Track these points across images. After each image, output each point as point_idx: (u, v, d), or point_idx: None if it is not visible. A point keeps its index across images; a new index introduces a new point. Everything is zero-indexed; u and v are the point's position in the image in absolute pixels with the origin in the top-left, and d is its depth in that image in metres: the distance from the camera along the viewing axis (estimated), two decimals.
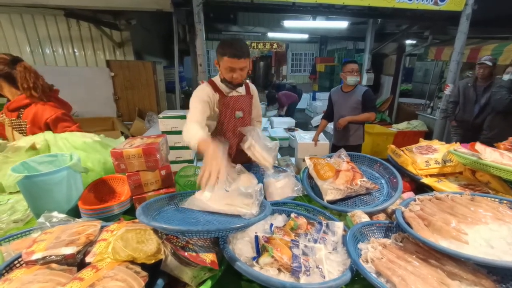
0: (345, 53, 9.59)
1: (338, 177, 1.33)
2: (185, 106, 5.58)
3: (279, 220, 1.10)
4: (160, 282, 0.74)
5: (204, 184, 1.01)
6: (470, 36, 4.08)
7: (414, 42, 7.18)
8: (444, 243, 0.81)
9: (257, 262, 0.81)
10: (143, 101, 5.31)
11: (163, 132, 2.97)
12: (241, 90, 1.73)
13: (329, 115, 3.19)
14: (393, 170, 1.41)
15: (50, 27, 4.88)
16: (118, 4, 3.79)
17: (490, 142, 1.55)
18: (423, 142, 1.73)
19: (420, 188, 1.48)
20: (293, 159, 3.84)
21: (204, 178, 1.00)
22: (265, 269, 0.79)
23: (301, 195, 1.41)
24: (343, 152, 1.53)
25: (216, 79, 1.67)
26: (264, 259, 0.80)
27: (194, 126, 1.37)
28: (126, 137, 1.67)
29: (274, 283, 0.72)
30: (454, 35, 4.03)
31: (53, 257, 0.75)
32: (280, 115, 7.59)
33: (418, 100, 7.28)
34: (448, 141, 1.80)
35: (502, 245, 0.78)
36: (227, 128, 1.72)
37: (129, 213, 1.34)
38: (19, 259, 0.80)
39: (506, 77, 2.93)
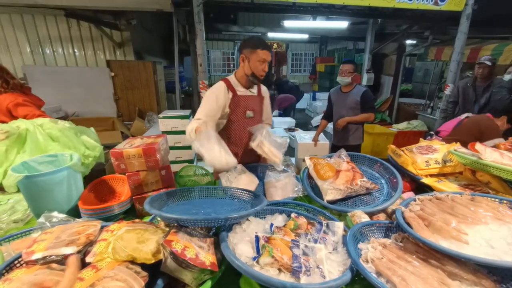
0: (345, 53, 9.59)
1: (338, 177, 1.33)
2: (185, 106, 5.58)
3: (279, 220, 1.10)
4: (160, 282, 0.74)
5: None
6: (470, 36, 4.08)
7: (414, 42, 7.18)
8: (444, 243, 0.81)
9: (257, 262, 0.81)
10: (143, 101, 5.31)
11: (163, 132, 2.97)
12: (254, 90, 1.77)
13: (329, 115, 3.20)
14: (393, 170, 1.41)
15: (50, 27, 4.88)
16: (118, 4, 3.79)
17: None
18: (423, 142, 1.73)
19: (420, 188, 1.48)
20: (293, 159, 3.84)
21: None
22: (266, 269, 0.79)
23: (301, 195, 1.41)
24: (343, 152, 1.53)
25: (231, 78, 1.71)
26: (265, 259, 0.80)
27: (192, 123, 1.51)
28: (126, 137, 1.68)
29: (275, 283, 0.72)
30: (454, 35, 4.02)
31: (53, 257, 0.75)
32: (279, 113, 7.58)
33: (418, 100, 7.29)
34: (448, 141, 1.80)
35: (502, 245, 0.78)
36: (237, 127, 1.74)
37: (129, 213, 1.34)
38: (19, 259, 0.80)
39: (507, 77, 2.93)
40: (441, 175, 1.50)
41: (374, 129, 4.77)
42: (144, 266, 0.74)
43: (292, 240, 0.91)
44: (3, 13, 4.60)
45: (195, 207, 1.13)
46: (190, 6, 3.50)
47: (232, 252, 0.84)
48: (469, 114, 2.42)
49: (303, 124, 7.43)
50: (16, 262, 0.80)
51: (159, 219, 1.09)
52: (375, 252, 0.87)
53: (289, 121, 6.43)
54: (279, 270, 0.80)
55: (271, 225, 1.02)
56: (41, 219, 1.06)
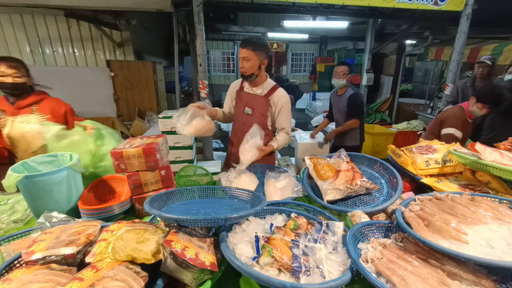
0: (345, 53, 9.58)
1: (338, 177, 1.33)
2: (185, 106, 5.57)
3: (279, 220, 1.10)
4: (160, 282, 0.74)
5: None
6: (470, 36, 4.08)
7: (414, 42, 7.18)
8: (444, 243, 0.81)
9: (257, 262, 0.81)
10: (143, 101, 5.31)
11: (163, 132, 2.97)
12: (259, 90, 1.83)
13: (330, 115, 3.27)
14: (393, 170, 1.41)
15: (50, 27, 4.87)
16: (118, 4, 3.78)
17: (490, 143, 1.54)
18: (423, 142, 1.73)
19: (420, 188, 1.48)
20: (293, 159, 3.84)
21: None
22: (265, 269, 0.79)
23: (301, 195, 1.41)
24: (343, 152, 1.53)
25: None
26: (264, 259, 0.80)
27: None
28: (126, 137, 1.68)
29: (274, 283, 0.72)
30: (454, 35, 4.02)
31: (53, 257, 0.75)
32: None
33: (418, 100, 7.29)
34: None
35: (502, 245, 0.78)
36: (236, 120, 1.97)
37: (129, 213, 1.34)
38: (19, 259, 0.80)
39: (508, 77, 2.92)
40: (441, 175, 1.50)
41: (374, 129, 4.77)
42: (144, 266, 0.74)
43: (292, 240, 0.91)
44: (2, 13, 4.60)
45: (195, 207, 1.13)
46: (190, 6, 3.51)
47: (232, 252, 0.84)
48: (450, 106, 2.43)
49: (303, 124, 7.44)
50: (16, 262, 0.80)
51: (159, 219, 1.09)
52: (375, 252, 0.87)
53: None
54: (279, 270, 0.80)
55: (271, 225, 1.02)
56: (41, 219, 1.06)
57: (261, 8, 5.02)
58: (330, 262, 0.87)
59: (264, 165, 1.73)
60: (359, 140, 3.04)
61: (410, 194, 1.41)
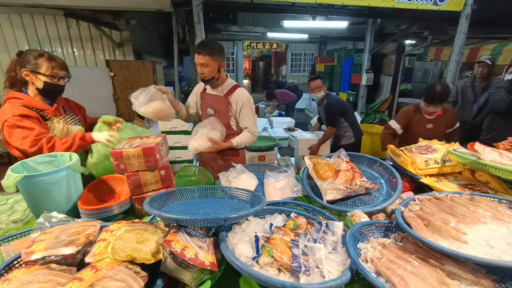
0: (344, 53, 9.58)
1: (337, 177, 1.33)
2: None
3: (279, 220, 1.10)
4: (159, 282, 0.74)
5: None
6: (469, 36, 4.09)
7: (413, 42, 7.19)
8: (444, 243, 0.81)
9: (257, 262, 0.81)
10: None
11: (163, 132, 2.97)
12: (219, 91, 1.85)
13: (320, 120, 3.62)
14: (393, 170, 1.42)
15: (50, 27, 4.87)
16: (118, 4, 3.78)
17: (490, 143, 1.55)
18: (423, 142, 1.73)
19: (419, 188, 1.48)
20: (292, 159, 3.85)
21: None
22: (265, 269, 0.79)
23: (300, 195, 1.42)
24: (342, 152, 1.53)
25: None
26: (264, 259, 0.80)
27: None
28: None
29: (274, 283, 0.72)
30: (453, 35, 4.03)
31: (52, 257, 0.75)
32: (279, 113, 7.59)
33: (417, 100, 7.21)
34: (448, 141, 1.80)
35: (501, 244, 0.78)
36: (202, 120, 1.95)
37: (129, 213, 1.34)
38: (19, 259, 0.80)
39: (508, 77, 2.91)
40: (440, 175, 1.50)
41: (373, 129, 4.77)
42: (143, 266, 0.74)
43: (291, 240, 0.91)
44: (2, 13, 4.59)
45: (194, 207, 1.13)
46: (190, 6, 3.51)
47: (231, 252, 0.84)
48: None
49: (303, 124, 7.43)
50: (15, 262, 0.80)
51: (158, 219, 1.09)
52: (375, 252, 0.87)
53: (289, 121, 6.43)
54: (279, 270, 0.80)
55: (271, 225, 1.02)
56: (41, 219, 1.06)
57: (260, 8, 5.02)
58: (330, 262, 0.87)
59: (264, 165, 1.73)
60: (353, 138, 3.16)
61: (409, 194, 1.42)
